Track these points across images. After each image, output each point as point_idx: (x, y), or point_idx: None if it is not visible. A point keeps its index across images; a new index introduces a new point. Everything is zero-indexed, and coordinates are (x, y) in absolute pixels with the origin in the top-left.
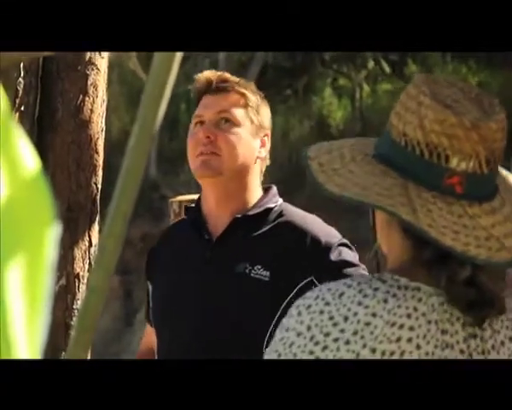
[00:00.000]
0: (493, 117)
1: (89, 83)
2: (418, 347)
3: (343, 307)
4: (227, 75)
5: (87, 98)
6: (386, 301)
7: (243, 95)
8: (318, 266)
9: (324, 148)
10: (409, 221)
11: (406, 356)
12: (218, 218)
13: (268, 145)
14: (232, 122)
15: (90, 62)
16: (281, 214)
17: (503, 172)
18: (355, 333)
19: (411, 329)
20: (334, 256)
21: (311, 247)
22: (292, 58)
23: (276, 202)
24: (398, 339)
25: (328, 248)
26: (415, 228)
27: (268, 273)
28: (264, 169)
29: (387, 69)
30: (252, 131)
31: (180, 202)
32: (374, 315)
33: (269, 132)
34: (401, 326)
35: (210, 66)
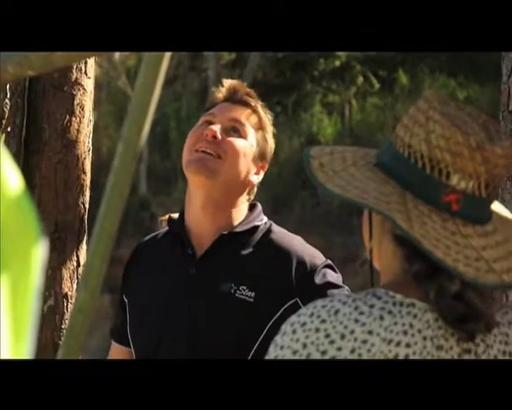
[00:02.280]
0: (499, 143)
1: (75, 103)
2: None
3: (339, 324)
4: (254, 93)
5: (74, 118)
6: (382, 318)
7: (260, 118)
8: (303, 287)
9: (327, 150)
10: (403, 228)
11: None
12: (201, 231)
13: (261, 177)
14: (241, 134)
15: (77, 83)
16: (266, 233)
17: (496, 203)
18: (352, 351)
19: (408, 346)
20: (318, 278)
21: (296, 268)
22: (281, 75)
23: (261, 219)
24: (396, 356)
25: (313, 270)
26: (408, 236)
27: (253, 294)
28: (252, 196)
29: (376, 85)
30: (255, 153)
31: (169, 218)
32: (370, 333)
33: (267, 166)
34: (398, 343)
35: (199, 84)
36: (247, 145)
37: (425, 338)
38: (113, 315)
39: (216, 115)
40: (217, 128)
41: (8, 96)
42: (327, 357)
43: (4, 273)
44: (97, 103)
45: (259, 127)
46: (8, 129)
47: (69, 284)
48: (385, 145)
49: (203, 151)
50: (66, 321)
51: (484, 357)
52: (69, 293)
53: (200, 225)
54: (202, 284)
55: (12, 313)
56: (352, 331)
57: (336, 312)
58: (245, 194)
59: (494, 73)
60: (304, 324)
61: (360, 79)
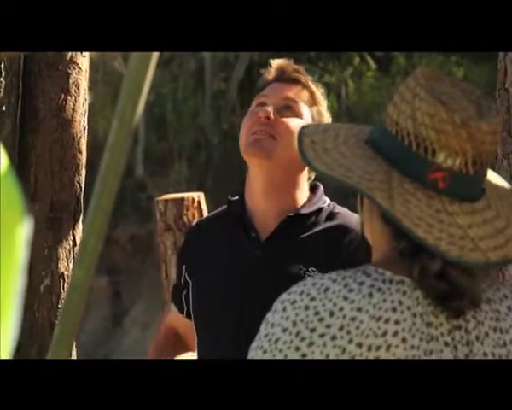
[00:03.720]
0: (486, 119)
1: (70, 82)
2: (404, 340)
3: (328, 301)
4: (302, 69)
5: (69, 97)
6: (371, 295)
7: (312, 93)
8: None
9: (321, 127)
10: (383, 206)
11: (392, 350)
12: (265, 214)
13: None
14: (295, 112)
15: (72, 61)
16: (331, 214)
17: (497, 179)
18: (341, 328)
19: (397, 323)
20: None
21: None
22: (277, 56)
23: (325, 201)
24: (384, 333)
25: None
26: (388, 214)
27: None
28: (313, 175)
29: (373, 65)
30: None
31: (166, 200)
32: (359, 310)
33: None
34: (387, 320)
35: (196, 65)
36: (301, 123)
37: (414, 315)
38: (110, 296)
39: (268, 96)
40: (270, 109)
41: (3, 75)
42: (316, 334)
43: None
44: (94, 85)
45: (313, 103)
46: (3, 108)
47: (65, 264)
48: (377, 123)
49: (258, 133)
50: (63, 301)
51: (475, 333)
52: (65, 273)
53: (263, 207)
54: (270, 267)
55: None
56: (341, 309)
57: (326, 289)
58: (305, 172)
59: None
60: (294, 301)
61: (357, 60)
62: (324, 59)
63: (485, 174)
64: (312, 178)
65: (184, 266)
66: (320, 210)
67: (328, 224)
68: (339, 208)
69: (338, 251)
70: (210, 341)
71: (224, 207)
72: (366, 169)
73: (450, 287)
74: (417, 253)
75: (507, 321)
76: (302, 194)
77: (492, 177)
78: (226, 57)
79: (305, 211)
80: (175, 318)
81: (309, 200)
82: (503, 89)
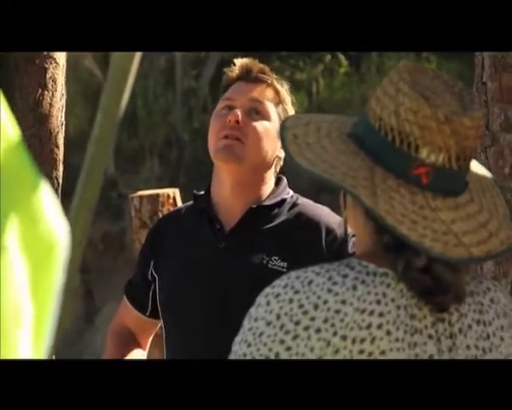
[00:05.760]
0: (469, 113)
1: (47, 76)
2: (388, 333)
3: (312, 294)
4: (267, 68)
5: (46, 92)
6: (355, 287)
7: (277, 92)
8: (334, 256)
9: (303, 120)
10: (367, 204)
11: (377, 342)
12: (230, 207)
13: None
14: (262, 114)
15: (49, 56)
16: (294, 205)
17: (481, 170)
18: (325, 321)
19: (381, 315)
20: (348, 246)
21: (326, 238)
22: (248, 54)
23: (288, 192)
24: (369, 326)
25: (343, 239)
26: (372, 212)
27: (285, 264)
28: (278, 168)
29: (344, 62)
30: (278, 128)
31: (141, 197)
32: (343, 302)
33: None
34: (371, 313)
35: (166, 63)
36: (268, 125)
37: (398, 307)
38: (82, 295)
39: (235, 99)
40: (239, 112)
41: None
42: (300, 327)
43: (12, 216)
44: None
45: (278, 101)
46: None
47: None
48: (360, 115)
49: (228, 137)
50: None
51: (458, 326)
52: None
53: (229, 201)
54: (233, 257)
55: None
56: (326, 301)
57: (310, 282)
58: (272, 169)
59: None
60: (278, 295)
61: (328, 57)
62: (295, 56)
63: (468, 168)
64: (277, 171)
65: (152, 262)
66: (283, 201)
67: (291, 214)
68: (302, 200)
69: (300, 240)
70: (178, 333)
71: (191, 202)
72: (350, 165)
73: (434, 282)
74: (401, 248)
75: (490, 314)
76: (267, 187)
77: (475, 168)
78: (197, 55)
79: (268, 203)
80: (128, 315)
81: (272, 192)
82: (480, 82)
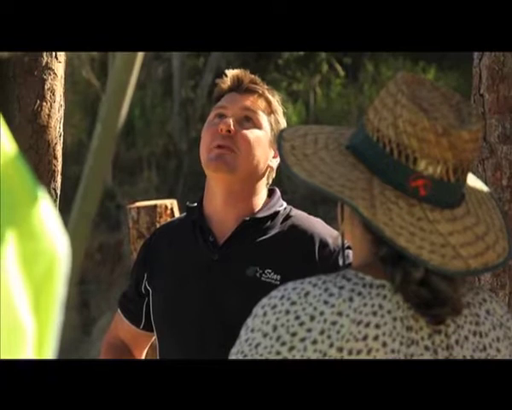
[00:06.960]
0: (467, 126)
1: (46, 88)
2: (384, 344)
3: (309, 306)
4: (258, 79)
5: (44, 103)
6: (351, 299)
7: (269, 102)
8: (327, 269)
9: (301, 130)
10: (365, 217)
11: (373, 354)
12: (223, 220)
13: (279, 159)
14: (254, 123)
15: (47, 67)
16: (287, 217)
17: (477, 183)
18: (322, 332)
19: (377, 327)
20: (344, 259)
21: (319, 250)
22: (245, 64)
23: (281, 205)
24: (365, 337)
25: (336, 252)
26: (370, 224)
27: (278, 277)
28: (270, 180)
29: (342, 72)
30: (270, 138)
31: (138, 208)
32: (340, 314)
33: None
34: (367, 324)
35: (163, 73)
36: (260, 134)
37: (395, 319)
38: (79, 305)
39: (227, 107)
40: (230, 121)
41: None
42: (297, 339)
43: (10, 228)
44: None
45: (270, 111)
46: None
47: None
48: (358, 127)
49: (220, 147)
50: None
51: (454, 337)
52: None
53: (222, 213)
54: (227, 270)
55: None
56: (322, 313)
57: (306, 294)
58: (264, 179)
59: (456, 58)
60: (274, 306)
61: (325, 67)
62: (292, 67)
63: (465, 181)
64: (270, 182)
65: (146, 275)
66: (276, 213)
67: (284, 226)
68: (295, 211)
69: (293, 253)
70: (172, 346)
71: (184, 214)
72: (347, 177)
73: (431, 294)
74: (399, 260)
75: (486, 325)
76: (260, 199)
77: (472, 181)
78: (195, 64)
79: (261, 215)
80: (122, 328)
81: (265, 204)
82: (477, 94)
